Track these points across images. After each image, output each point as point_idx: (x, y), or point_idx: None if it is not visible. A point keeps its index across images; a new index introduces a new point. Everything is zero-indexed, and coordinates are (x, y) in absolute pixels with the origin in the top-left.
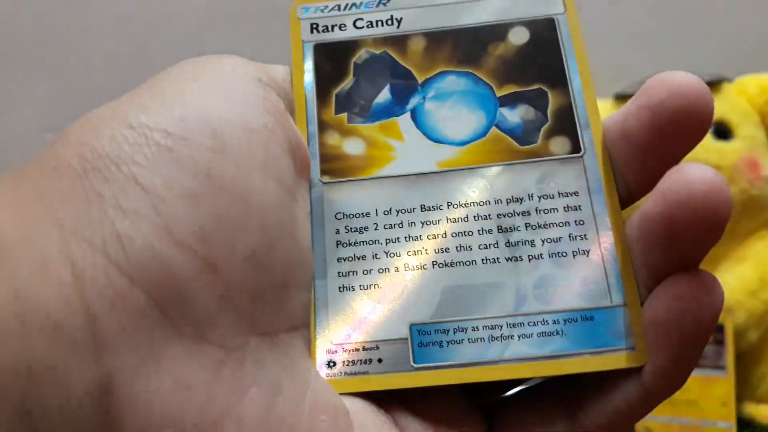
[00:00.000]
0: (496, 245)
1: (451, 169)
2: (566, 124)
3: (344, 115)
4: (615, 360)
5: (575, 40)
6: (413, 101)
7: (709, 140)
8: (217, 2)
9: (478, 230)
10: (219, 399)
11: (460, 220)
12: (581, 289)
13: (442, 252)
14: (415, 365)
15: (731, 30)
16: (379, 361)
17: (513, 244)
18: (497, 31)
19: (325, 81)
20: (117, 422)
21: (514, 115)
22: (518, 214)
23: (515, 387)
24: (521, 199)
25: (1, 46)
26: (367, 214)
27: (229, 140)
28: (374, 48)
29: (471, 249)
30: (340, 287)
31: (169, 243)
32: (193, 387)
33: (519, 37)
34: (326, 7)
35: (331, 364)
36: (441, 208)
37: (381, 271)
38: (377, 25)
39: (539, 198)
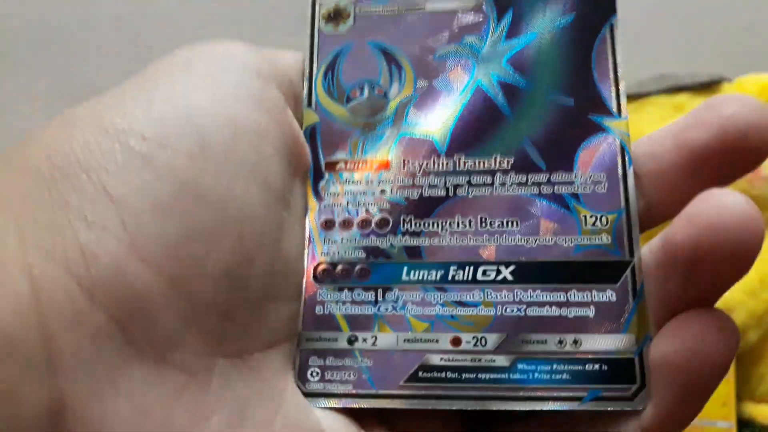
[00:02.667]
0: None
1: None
2: None
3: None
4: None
5: None
6: None
7: None
8: (217, 2)
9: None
10: (178, 426)
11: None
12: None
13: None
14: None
15: (731, 30)
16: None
17: None
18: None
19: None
20: None
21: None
22: None
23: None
24: None
25: (1, 46)
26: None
27: (211, 143)
28: None
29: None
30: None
31: (134, 260)
32: (150, 413)
33: None
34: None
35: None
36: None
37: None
38: None
39: None
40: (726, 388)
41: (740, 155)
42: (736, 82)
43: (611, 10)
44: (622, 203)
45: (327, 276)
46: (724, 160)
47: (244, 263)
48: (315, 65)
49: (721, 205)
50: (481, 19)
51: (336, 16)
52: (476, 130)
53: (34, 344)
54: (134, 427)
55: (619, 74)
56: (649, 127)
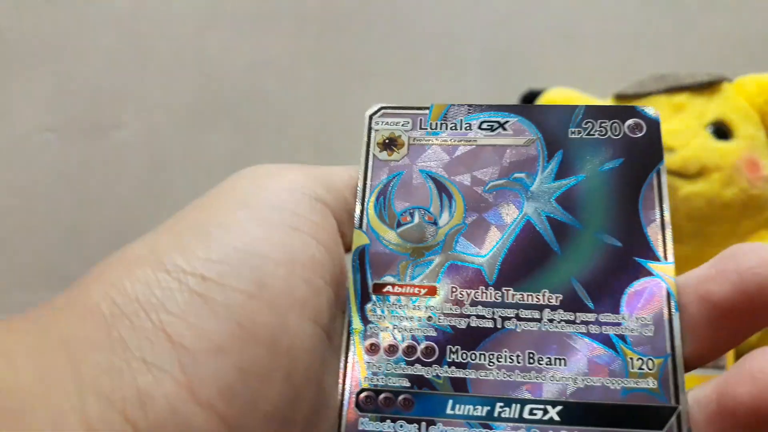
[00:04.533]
0: None
1: None
2: None
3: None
4: None
5: None
6: None
7: (709, 140)
8: (217, 2)
9: None
10: None
11: None
12: None
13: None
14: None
15: (731, 30)
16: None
17: None
18: None
19: None
20: None
21: None
22: None
23: None
24: None
25: (1, 46)
26: None
27: (268, 281)
28: None
29: None
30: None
31: (191, 403)
32: None
33: None
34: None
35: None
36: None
37: None
38: None
39: None
40: None
41: (760, 308)
42: (736, 82)
43: (659, 156)
44: (668, 348)
45: (370, 404)
46: (745, 312)
47: (293, 400)
48: (368, 189)
49: None
50: (531, 157)
51: (391, 143)
52: (525, 264)
53: None
54: None
55: (665, 219)
56: None
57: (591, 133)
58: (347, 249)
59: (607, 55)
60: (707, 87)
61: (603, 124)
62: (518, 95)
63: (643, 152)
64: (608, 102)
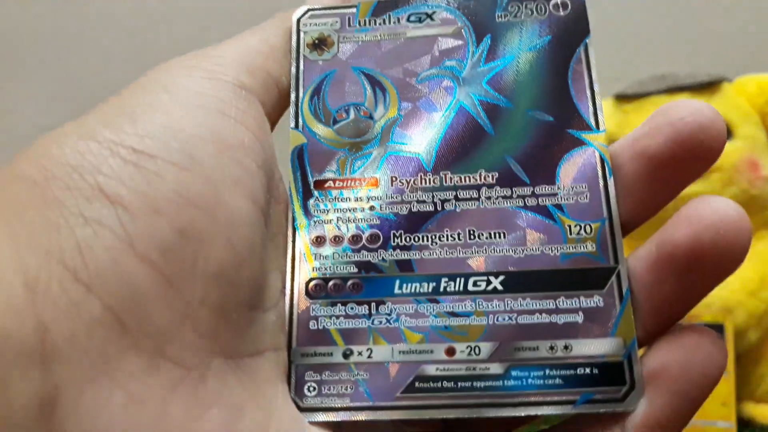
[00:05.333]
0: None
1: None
2: None
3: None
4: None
5: None
6: None
7: None
8: (217, 2)
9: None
10: (174, 416)
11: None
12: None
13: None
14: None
15: (731, 30)
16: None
17: None
18: None
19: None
20: None
21: None
22: None
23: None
24: None
25: (2, 46)
26: None
27: (199, 157)
28: None
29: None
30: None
31: (131, 256)
32: (145, 402)
33: None
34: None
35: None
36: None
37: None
38: None
39: None
40: (726, 388)
41: (693, 157)
42: (736, 82)
43: (585, 31)
44: (605, 212)
45: (320, 291)
46: (679, 163)
47: (235, 266)
48: (301, 90)
49: (717, 207)
50: (460, 44)
51: (320, 44)
52: (460, 147)
53: (28, 336)
54: (128, 416)
55: (595, 91)
56: None
57: (517, 15)
58: (274, 126)
59: (607, 55)
60: (707, 87)
61: (528, 6)
62: None
63: (569, 29)
64: (609, 102)
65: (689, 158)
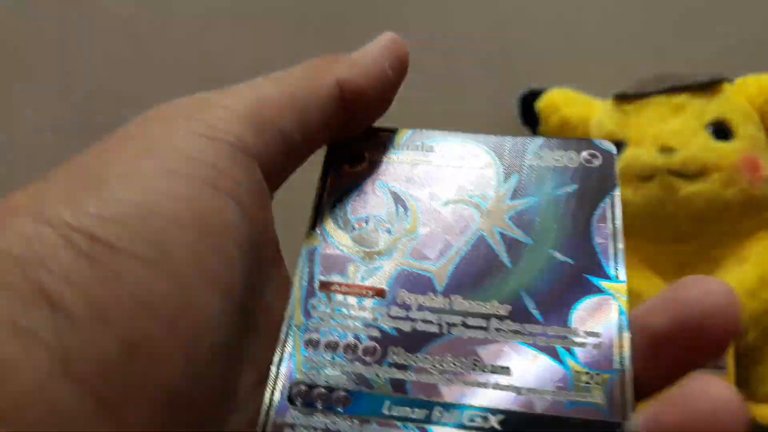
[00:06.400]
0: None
1: None
2: None
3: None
4: None
5: None
6: None
7: (709, 140)
8: (217, 2)
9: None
10: None
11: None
12: None
13: None
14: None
15: (731, 30)
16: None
17: None
18: None
19: None
20: None
21: None
22: None
23: None
24: None
25: (2, 47)
26: None
27: (170, 249)
28: None
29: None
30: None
31: (61, 378)
32: None
33: None
34: None
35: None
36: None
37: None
38: None
39: None
40: None
41: (699, 343)
42: (736, 82)
43: (613, 184)
44: (617, 364)
45: (302, 397)
46: (682, 346)
47: (191, 384)
48: (325, 197)
49: (711, 399)
50: (488, 178)
51: (352, 157)
52: (476, 275)
53: None
54: None
55: (618, 243)
56: (650, 127)
57: (547, 160)
58: (273, 188)
59: (607, 55)
60: (707, 87)
61: (560, 154)
62: (518, 95)
63: (598, 179)
64: (609, 102)
65: (691, 342)
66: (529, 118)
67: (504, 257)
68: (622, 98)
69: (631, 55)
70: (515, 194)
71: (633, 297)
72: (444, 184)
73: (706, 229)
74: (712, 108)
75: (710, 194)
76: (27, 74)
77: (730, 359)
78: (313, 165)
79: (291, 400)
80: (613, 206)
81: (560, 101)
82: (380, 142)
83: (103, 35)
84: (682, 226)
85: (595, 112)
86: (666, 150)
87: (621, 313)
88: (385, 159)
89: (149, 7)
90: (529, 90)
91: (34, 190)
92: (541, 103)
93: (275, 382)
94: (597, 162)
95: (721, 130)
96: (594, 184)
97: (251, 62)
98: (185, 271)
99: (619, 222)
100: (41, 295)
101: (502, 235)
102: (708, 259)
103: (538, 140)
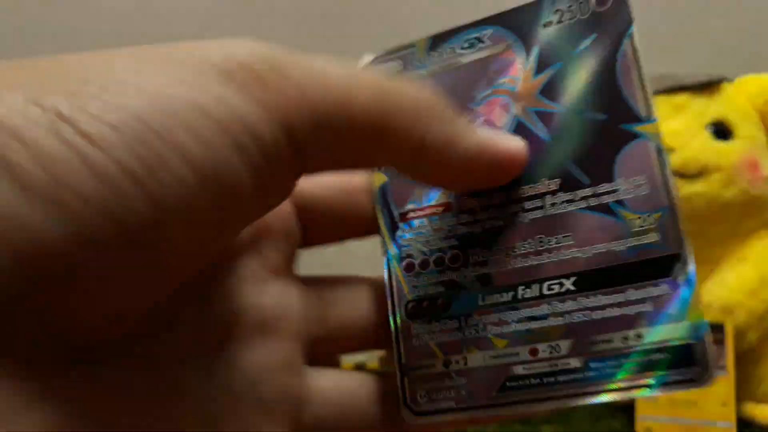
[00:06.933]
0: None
1: None
2: None
3: None
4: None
5: None
6: None
7: (709, 140)
8: (217, 2)
9: None
10: None
11: None
12: None
13: None
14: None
15: (731, 30)
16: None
17: None
18: None
19: None
20: None
21: None
22: None
23: None
24: None
25: (2, 47)
26: None
27: (162, 176)
28: None
29: None
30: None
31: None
32: None
33: None
34: None
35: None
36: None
37: None
38: None
39: None
40: (726, 388)
41: None
42: (736, 82)
43: (628, 22)
44: (665, 200)
45: (416, 311)
46: None
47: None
48: None
49: None
50: (511, 60)
51: None
52: None
53: None
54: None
55: (644, 81)
56: None
57: (561, 20)
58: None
59: None
60: (707, 87)
61: (570, 8)
62: None
63: (613, 22)
64: None
65: None
66: None
67: (543, 134)
68: None
69: None
70: (540, 67)
71: None
72: (473, 81)
73: (706, 229)
74: (712, 108)
75: (710, 194)
76: None
77: (730, 359)
78: None
79: (409, 315)
80: (633, 46)
81: None
82: (407, 61)
83: (103, 34)
84: None
85: None
86: (666, 150)
87: (659, 151)
88: (415, 76)
89: (149, 6)
90: None
91: (32, 73)
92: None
93: (393, 307)
94: (607, 5)
95: (721, 131)
96: (610, 28)
97: None
98: (168, 203)
99: (640, 59)
100: (4, 165)
101: (537, 113)
102: (708, 258)
103: (549, 2)
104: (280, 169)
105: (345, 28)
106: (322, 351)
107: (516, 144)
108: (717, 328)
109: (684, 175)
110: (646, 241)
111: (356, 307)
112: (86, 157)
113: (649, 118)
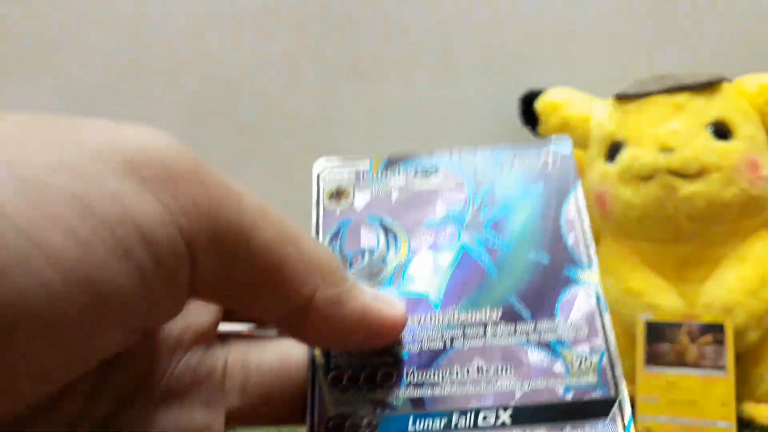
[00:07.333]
0: None
1: None
2: None
3: None
4: None
5: None
6: None
7: (709, 140)
8: (217, 2)
9: None
10: None
11: None
12: None
13: None
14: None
15: (731, 30)
16: None
17: None
18: None
19: None
20: None
21: None
22: None
23: None
24: None
25: (2, 47)
26: None
27: (56, 242)
28: None
29: None
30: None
31: None
32: None
33: None
34: None
35: None
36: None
37: None
38: None
39: None
40: (726, 388)
41: None
42: (736, 82)
43: (574, 179)
44: (603, 345)
45: (338, 430)
46: None
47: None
48: (320, 236)
49: None
50: (462, 195)
51: (338, 195)
52: (466, 287)
53: None
54: None
55: (586, 232)
56: (649, 127)
57: (514, 166)
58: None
59: (607, 55)
60: (707, 87)
61: (524, 159)
62: (518, 95)
63: (560, 177)
64: (609, 102)
65: None
66: (529, 119)
67: (488, 266)
68: (622, 98)
69: (631, 55)
70: (489, 204)
71: (633, 297)
72: (424, 206)
73: (706, 229)
74: (712, 108)
75: (710, 194)
76: (26, 74)
77: (730, 359)
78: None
79: None
80: (577, 200)
81: (560, 101)
82: (359, 175)
83: (103, 34)
84: (682, 226)
85: (595, 112)
86: (666, 150)
87: (597, 297)
88: (366, 190)
89: (150, 7)
90: (529, 90)
91: None
92: (541, 103)
93: (312, 422)
94: (557, 160)
95: (721, 130)
96: (557, 182)
97: (251, 62)
98: (20, 307)
99: (583, 210)
100: None
101: (483, 244)
102: (708, 258)
103: (505, 149)
104: (172, 277)
105: (345, 28)
106: (243, 422)
107: (398, 310)
108: (717, 328)
109: (684, 175)
110: (584, 382)
111: (281, 377)
112: None
113: (590, 266)
